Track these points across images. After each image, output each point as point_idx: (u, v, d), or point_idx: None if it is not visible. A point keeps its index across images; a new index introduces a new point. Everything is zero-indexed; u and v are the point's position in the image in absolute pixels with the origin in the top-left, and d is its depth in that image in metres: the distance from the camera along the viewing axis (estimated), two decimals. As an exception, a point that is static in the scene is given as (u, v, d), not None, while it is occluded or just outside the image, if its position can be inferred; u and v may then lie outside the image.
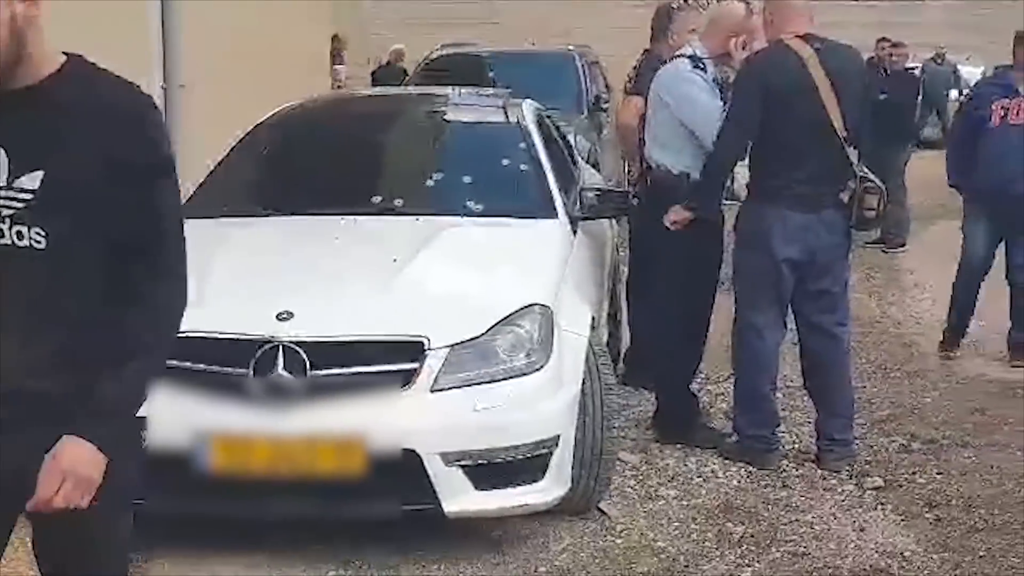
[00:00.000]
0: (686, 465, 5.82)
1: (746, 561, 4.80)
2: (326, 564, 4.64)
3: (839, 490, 5.55)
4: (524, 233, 5.62)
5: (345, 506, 4.63)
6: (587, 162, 8.53)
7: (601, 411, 5.05)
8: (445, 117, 6.59)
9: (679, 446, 6.01)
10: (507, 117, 6.45)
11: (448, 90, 7.12)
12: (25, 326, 2.65)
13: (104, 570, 2.85)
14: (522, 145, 6.20)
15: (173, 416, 4.52)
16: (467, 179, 6.03)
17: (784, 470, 5.76)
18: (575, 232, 5.82)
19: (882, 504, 5.40)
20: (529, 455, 4.70)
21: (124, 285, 2.70)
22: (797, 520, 5.21)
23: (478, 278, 5.16)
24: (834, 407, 5.90)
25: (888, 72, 12.34)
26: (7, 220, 2.62)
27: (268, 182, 6.24)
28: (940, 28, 21.17)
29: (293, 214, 5.75)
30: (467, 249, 5.45)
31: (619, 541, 4.97)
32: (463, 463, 4.59)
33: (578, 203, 5.95)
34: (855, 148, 5.64)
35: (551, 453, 4.75)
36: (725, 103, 5.90)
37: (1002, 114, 7.76)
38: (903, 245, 12.10)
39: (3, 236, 2.62)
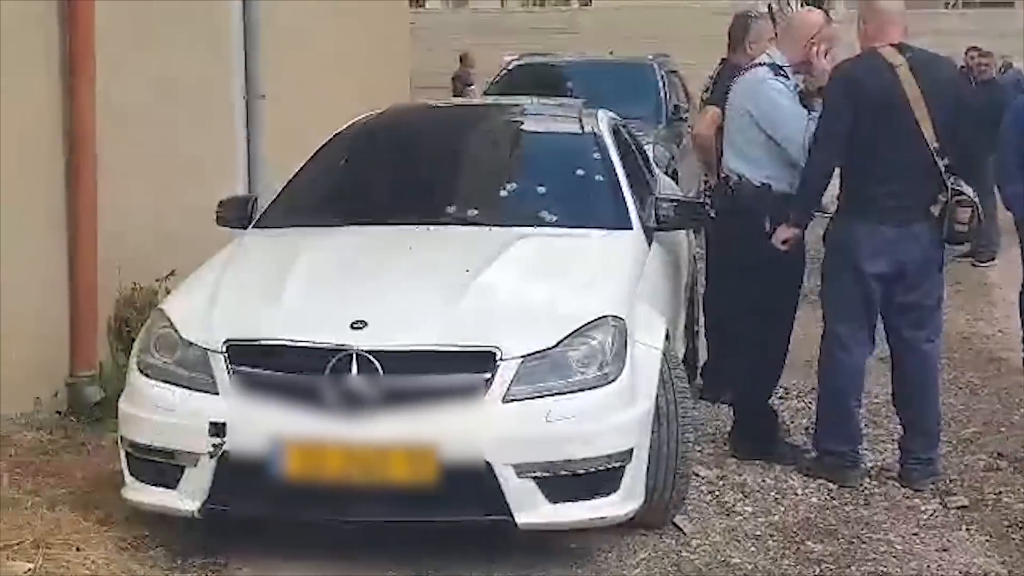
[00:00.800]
0: (764, 481, 5.81)
1: (825, 580, 4.80)
2: (397, 571, 4.71)
3: (922, 509, 5.52)
4: (598, 244, 5.65)
5: (416, 514, 4.69)
6: (665, 172, 8.54)
7: (676, 424, 5.07)
8: (521, 127, 6.66)
9: (757, 462, 6.01)
10: (582, 127, 6.48)
11: (524, 100, 7.18)
12: None
13: None
14: (597, 155, 6.23)
15: (250, 422, 4.67)
16: (541, 189, 6.08)
17: (865, 488, 5.73)
18: (650, 243, 5.84)
19: (967, 524, 5.36)
20: (602, 468, 4.72)
21: None
22: (878, 539, 5.19)
23: (551, 289, 5.19)
24: (921, 424, 5.86)
25: (976, 82, 12.21)
26: None
27: (344, 192, 6.31)
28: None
29: (368, 224, 5.82)
30: (540, 259, 5.49)
31: (694, 557, 4.98)
32: (535, 474, 4.63)
33: (654, 214, 5.96)
34: (946, 159, 5.59)
35: (624, 466, 4.77)
36: (808, 111, 5.91)
37: None
38: (993, 259, 11.96)
39: None
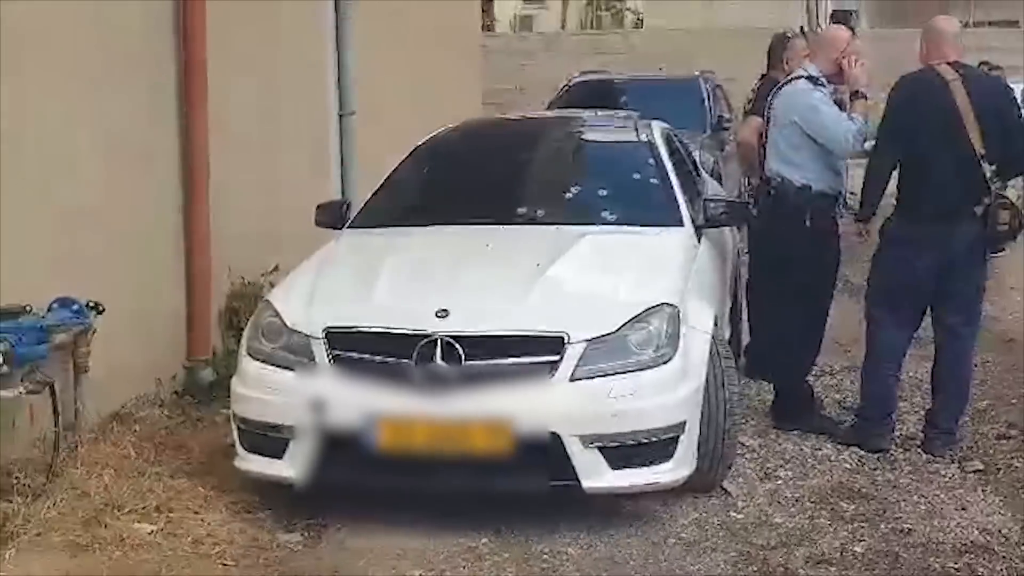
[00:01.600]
0: (801, 449, 5.76)
1: (857, 536, 4.75)
2: (478, 533, 4.70)
3: (942, 473, 5.46)
4: (653, 240, 5.62)
5: (495, 482, 4.70)
6: (710, 175, 8.47)
7: (723, 399, 5.04)
8: (583, 137, 6.63)
9: (795, 432, 5.96)
10: (638, 136, 6.44)
11: (584, 113, 7.15)
12: None
13: None
14: (651, 161, 6.19)
15: (347, 400, 4.69)
16: (602, 192, 6.05)
17: (892, 455, 5.67)
18: (699, 239, 5.80)
19: (983, 486, 5.29)
20: (658, 438, 4.71)
21: None
22: (904, 500, 5.13)
23: (612, 280, 5.18)
24: (951, 400, 5.81)
25: None
26: None
27: (426, 197, 6.31)
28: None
29: (448, 224, 5.82)
30: (602, 254, 5.47)
31: (740, 516, 4.95)
32: (599, 445, 4.62)
33: (702, 213, 5.92)
34: (993, 166, 5.54)
35: (678, 437, 4.76)
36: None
37: None
38: (1003, 250, 11.74)
39: None
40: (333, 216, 6.12)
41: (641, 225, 5.72)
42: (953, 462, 5.58)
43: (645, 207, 5.92)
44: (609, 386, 4.66)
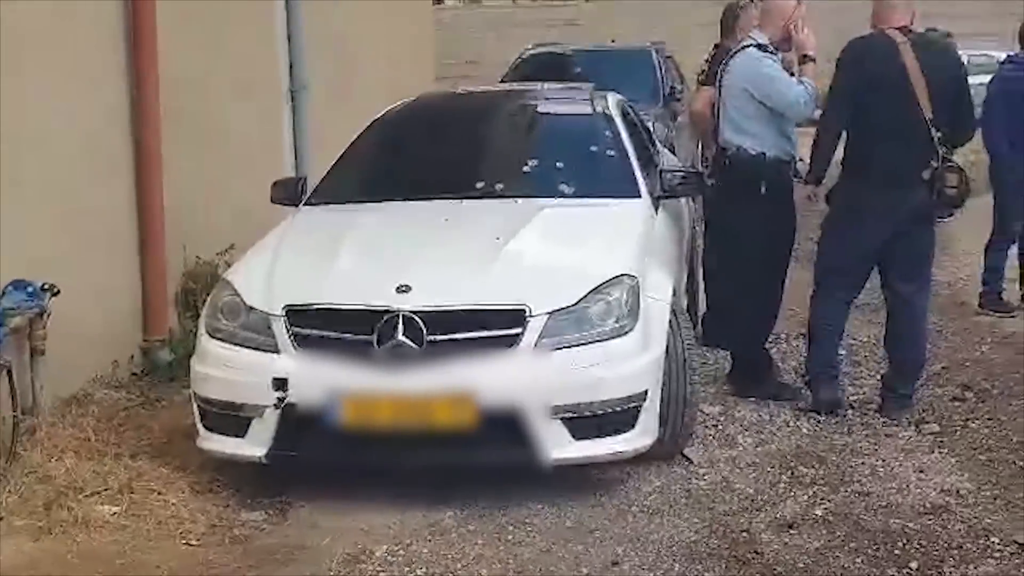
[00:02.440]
0: (760, 416, 5.81)
1: (817, 500, 4.80)
2: (443, 507, 4.71)
3: (900, 436, 5.51)
4: (611, 212, 5.63)
5: (459, 455, 4.70)
6: (664, 146, 8.49)
7: (683, 368, 5.08)
8: (539, 110, 6.61)
9: (753, 398, 6.00)
10: (594, 108, 6.44)
11: (541, 86, 7.14)
12: None
13: None
14: (608, 133, 6.19)
15: (309, 378, 4.67)
16: (559, 164, 6.03)
17: (849, 419, 5.73)
18: (657, 210, 5.81)
19: (939, 448, 5.36)
20: (620, 408, 4.74)
21: None
22: (862, 463, 5.19)
23: (572, 252, 5.21)
24: (906, 365, 5.86)
25: None
26: None
27: (384, 172, 6.27)
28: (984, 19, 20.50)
29: (406, 199, 5.80)
30: (561, 227, 5.48)
31: (702, 483, 4.99)
32: (563, 416, 4.64)
33: (659, 184, 5.93)
34: (941, 130, 5.54)
35: (640, 406, 4.78)
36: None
37: None
38: (951, 215, 11.87)
39: None
40: (289, 193, 6.08)
41: (599, 197, 5.72)
42: (910, 425, 5.64)
43: (603, 179, 5.92)
44: (571, 357, 4.67)
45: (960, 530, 4.47)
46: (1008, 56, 8.36)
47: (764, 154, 5.94)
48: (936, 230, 5.98)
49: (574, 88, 7.26)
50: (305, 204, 5.96)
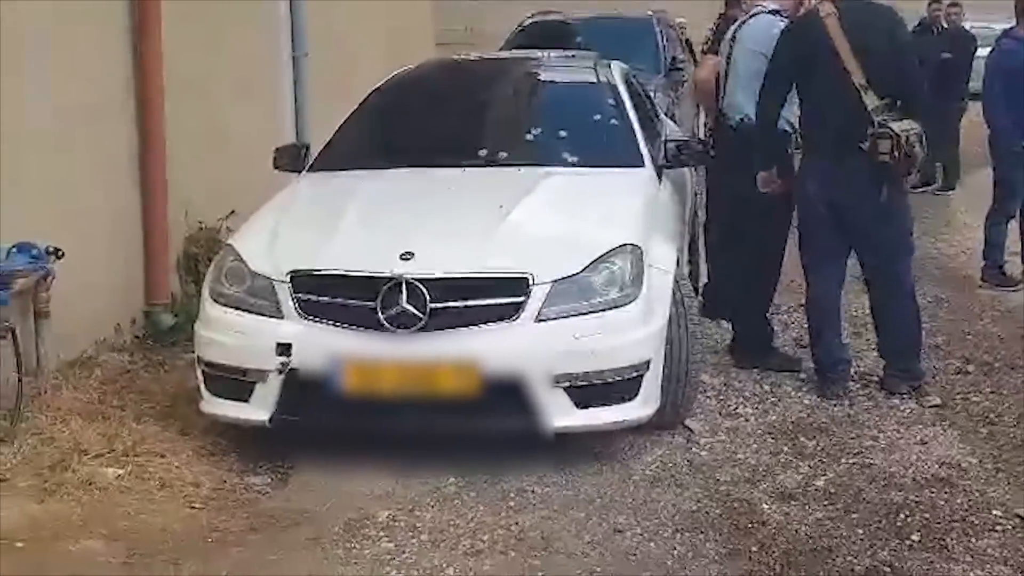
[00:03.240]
0: (761, 387, 5.82)
1: (818, 471, 4.80)
2: (446, 474, 4.72)
3: (901, 408, 5.51)
4: (615, 181, 5.62)
5: (462, 423, 4.71)
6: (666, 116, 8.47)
7: (686, 338, 5.06)
8: (543, 78, 6.59)
9: (754, 369, 6.01)
10: (598, 77, 6.42)
11: (545, 53, 7.11)
12: None
13: None
14: (611, 102, 6.17)
15: (313, 343, 4.67)
16: (563, 133, 6.01)
17: (851, 390, 5.72)
18: (660, 179, 5.80)
19: (941, 420, 5.36)
20: (623, 377, 4.74)
21: None
22: (864, 435, 5.19)
23: (575, 221, 5.19)
24: (888, 337, 5.78)
25: (942, 31, 12.00)
26: None
27: (387, 138, 6.25)
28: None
29: (410, 167, 5.78)
30: (565, 196, 5.47)
31: (703, 453, 5.00)
32: (566, 384, 4.64)
33: (662, 153, 5.92)
34: (883, 99, 5.42)
35: (642, 375, 4.78)
36: None
37: None
38: (952, 188, 11.90)
39: None
40: (292, 159, 6.06)
41: (603, 166, 5.71)
42: (911, 397, 5.63)
43: (607, 148, 5.91)
44: (575, 326, 4.67)
45: (962, 503, 4.48)
46: (1005, 30, 8.34)
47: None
48: (907, 202, 5.82)
49: (578, 56, 7.24)
50: (308, 171, 5.94)
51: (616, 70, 6.56)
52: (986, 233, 8.11)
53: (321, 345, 4.67)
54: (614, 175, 5.66)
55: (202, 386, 5.01)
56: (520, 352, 4.62)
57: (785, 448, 5.05)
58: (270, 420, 4.78)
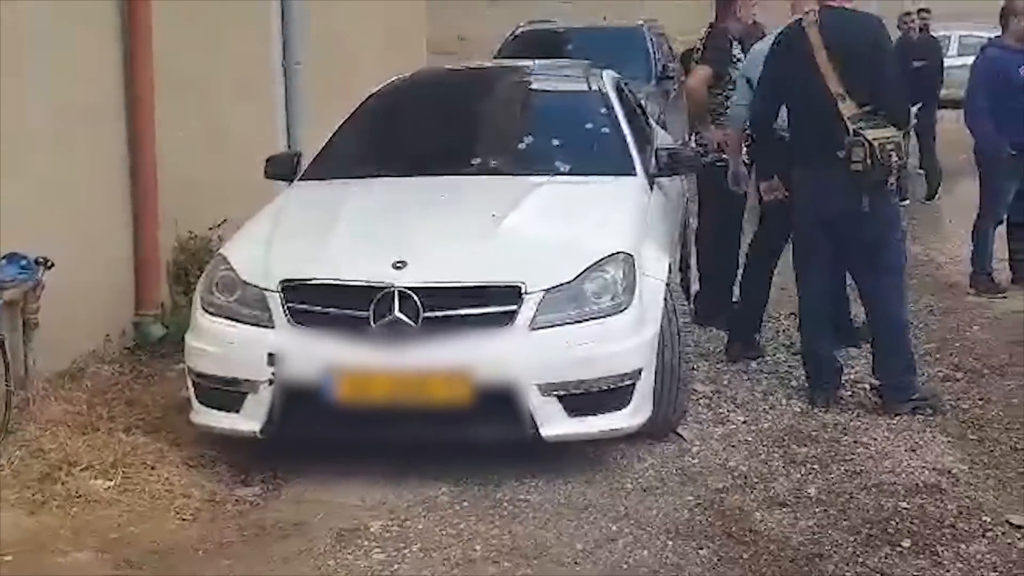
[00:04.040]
0: (753, 394, 5.82)
1: (810, 478, 4.80)
2: (438, 483, 4.70)
3: (891, 415, 5.49)
4: (607, 189, 5.62)
5: (454, 432, 4.70)
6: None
7: (678, 347, 5.06)
8: (535, 87, 6.59)
9: (746, 378, 6.03)
10: (589, 85, 6.42)
11: (536, 62, 7.11)
12: None
13: None
14: (603, 111, 6.18)
15: (304, 353, 4.66)
16: (555, 142, 6.02)
17: (841, 397, 5.73)
18: (652, 188, 5.80)
19: (931, 427, 5.35)
20: (615, 386, 4.73)
21: None
22: (855, 442, 5.19)
23: (568, 229, 5.18)
24: (879, 348, 5.69)
25: (916, 40, 12.05)
26: None
27: (380, 147, 6.24)
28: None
29: (403, 176, 5.78)
30: (557, 204, 5.46)
31: (695, 461, 4.99)
32: (558, 393, 4.63)
33: (654, 162, 5.93)
34: (863, 108, 5.37)
35: (635, 384, 4.78)
36: None
37: None
38: (936, 196, 11.94)
39: None
40: (284, 168, 6.05)
41: (595, 174, 5.71)
42: (912, 415, 5.57)
43: (599, 156, 5.91)
44: (567, 334, 4.66)
45: (952, 509, 4.48)
46: (989, 39, 8.37)
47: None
48: (895, 212, 5.77)
49: (570, 65, 7.25)
50: (300, 179, 5.93)
51: (607, 78, 6.56)
52: (973, 240, 8.12)
53: (313, 355, 4.66)
54: (606, 183, 5.66)
55: (192, 397, 4.99)
56: (512, 361, 4.61)
57: (776, 455, 5.05)
58: (261, 431, 4.76)
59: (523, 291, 4.65)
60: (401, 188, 5.68)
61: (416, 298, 4.60)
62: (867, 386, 5.84)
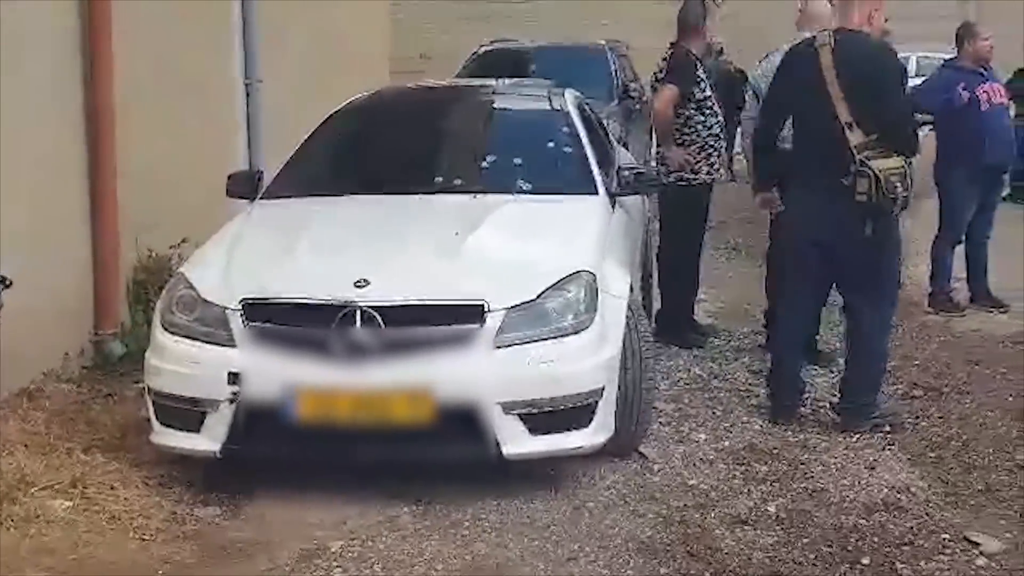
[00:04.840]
0: (714, 412, 5.85)
1: (770, 496, 4.83)
2: (399, 502, 4.70)
3: (851, 433, 5.54)
4: (569, 208, 5.64)
5: (416, 451, 4.69)
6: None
7: (640, 365, 5.08)
8: (498, 106, 6.62)
9: (707, 396, 6.06)
10: (552, 104, 6.46)
11: (498, 81, 7.14)
12: None
13: None
14: (565, 129, 6.21)
15: (265, 372, 4.65)
16: (518, 160, 6.04)
17: (802, 415, 5.77)
18: (614, 206, 5.83)
19: (890, 446, 5.41)
20: (577, 404, 4.74)
21: None
22: (815, 460, 5.23)
23: (530, 248, 5.20)
24: (852, 372, 5.69)
25: None
26: None
27: (342, 166, 6.25)
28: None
29: (365, 193, 5.78)
30: (520, 223, 5.48)
31: (657, 479, 5.01)
32: (520, 411, 4.64)
33: (615, 181, 5.96)
34: (871, 135, 5.33)
35: (597, 402, 4.79)
36: None
37: (986, 98, 7.81)
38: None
39: None
40: (245, 186, 6.04)
41: (557, 193, 5.74)
42: (870, 433, 5.59)
43: (561, 175, 5.94)
44: (529, 353, 4.67)
45: (911, 526, 4.53)
46: (944, 61, 8.49)
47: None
48: (897, 240, 5.74)
49: (532, 84, 7.29)
50: (261, 198, 5.92)
51: (569, 98, 6.60)
52: (932, 259, 8.21)
53: (274, 374, 4.65)
54: (568, 202, 5.68)
55: (152, 416, 4.96)
56: (474, 379, 4.62)
57: (738, 473, 5.08)
58: (221, 450, 4.74)
59: (486, 309, 4.66)
60: (363, 206, 5.68)
61: (378, 316, 4.61)
62: (827, 404, 5.88)
